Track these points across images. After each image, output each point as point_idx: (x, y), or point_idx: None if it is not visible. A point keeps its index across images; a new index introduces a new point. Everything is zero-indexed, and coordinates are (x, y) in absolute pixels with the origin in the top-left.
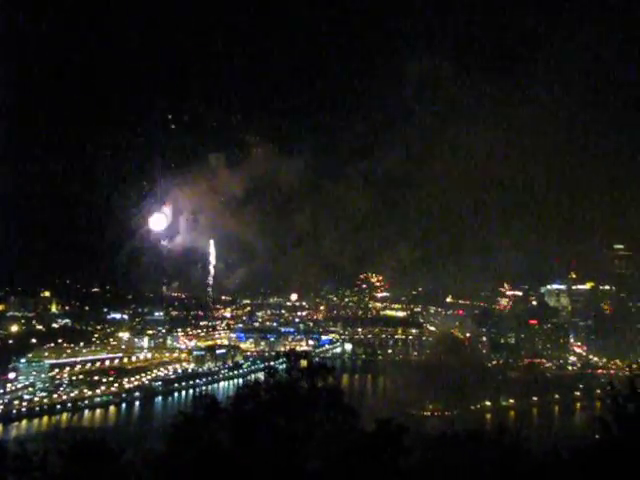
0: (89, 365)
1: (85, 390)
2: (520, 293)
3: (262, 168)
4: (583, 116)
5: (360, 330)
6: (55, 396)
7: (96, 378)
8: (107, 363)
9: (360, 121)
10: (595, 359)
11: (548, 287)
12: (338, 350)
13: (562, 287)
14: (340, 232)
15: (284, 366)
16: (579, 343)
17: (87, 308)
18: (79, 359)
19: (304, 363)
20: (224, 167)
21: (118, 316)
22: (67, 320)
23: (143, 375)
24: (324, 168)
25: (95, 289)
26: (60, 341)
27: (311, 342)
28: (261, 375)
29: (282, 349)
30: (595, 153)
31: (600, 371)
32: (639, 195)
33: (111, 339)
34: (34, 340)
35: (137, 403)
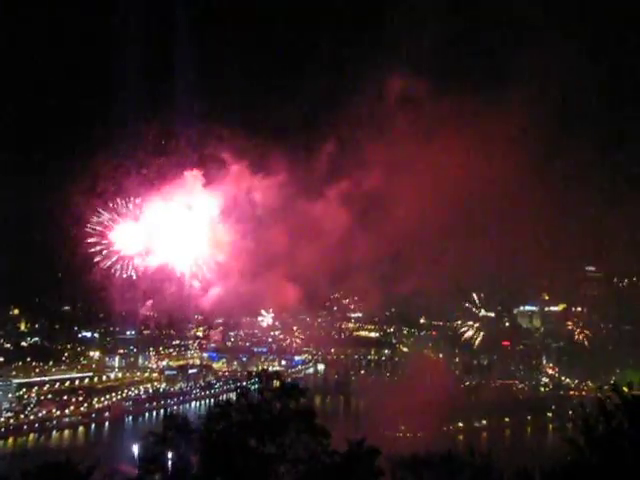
0: (58, 385)
1: (53, 410)
2: (493, 314)
3: (238, 186)
4: (557, 136)
5: (333, 350)
6: (22, 416)
7: (65, 398)
8: (77, 383)
9: (335, 138)
10: (567, 381)
11: (521, 308)
12: (311, 371)
13: (534, 309)
14: (315, 252)
15: (256, 386)
16: (551, 364)
17: (57, 326)
18: (48, 378)
19: (276, 383)
20: (200, 185)
21: (89, 335)
22: (36, 338)
23: (113, 395)
24: (300, 187)
25: (65, 307)
26: (29, 360)
27: (284, 362)
28: (233, 395)
29: (254, 369)
30: (568, 174)
31: (572, 393)
32: (611, 217)
33: (81, 358)
34: (1, 359)
35: (107, 423)
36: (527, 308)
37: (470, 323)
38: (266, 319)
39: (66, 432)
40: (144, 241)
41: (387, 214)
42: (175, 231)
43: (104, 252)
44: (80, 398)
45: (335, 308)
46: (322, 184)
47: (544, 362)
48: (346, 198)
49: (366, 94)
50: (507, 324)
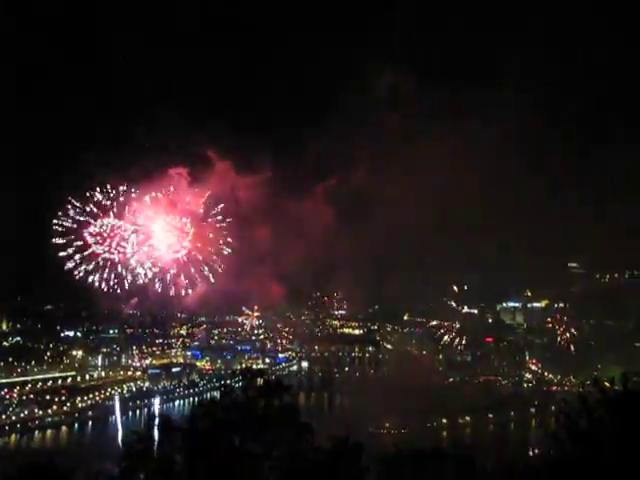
0: (40, 384)
1: (36, 410)
2: (476, 311)
3: (223, 184)
4: (541, 135)
5: (317, 348)
6: (4, 417)
7: (47, 398)
8: (59, 382)
9: (323, 137)
10: (550, 376)
11: (504, 305)
12: (295, 368)
13: (517, 305)
14: (301, 250)
15: (240, 384)
16: (534, 360)
17: (39, 326)
18: (30, 378)
19: (260, 381)
20: (185, 183)
21: (72, 334)
22: (18, 338)
23: (97, 394)
24: (286, 185)
25: (48, 306)
26: (10, 360)
27: (268, 360)
28: (217, 394)
29: (238, 367)
30: (552, 171)
31: (555, 388)
32: (593, 214)
33: (64, 357)
34: None
35: (90, 423)
36: (510, 304)
37: (447, 324)
38: (250, 318)
39: (49, 432)
40: (128, 239)
41: (373, 212)
42: (160, 229)
43: (87, 250)
44: (63, 398)
45: (318, 306)
46: (308, 182)
47: (527, 358)
48: (332, 196)
49: (353, 91)
50: (490, 320)
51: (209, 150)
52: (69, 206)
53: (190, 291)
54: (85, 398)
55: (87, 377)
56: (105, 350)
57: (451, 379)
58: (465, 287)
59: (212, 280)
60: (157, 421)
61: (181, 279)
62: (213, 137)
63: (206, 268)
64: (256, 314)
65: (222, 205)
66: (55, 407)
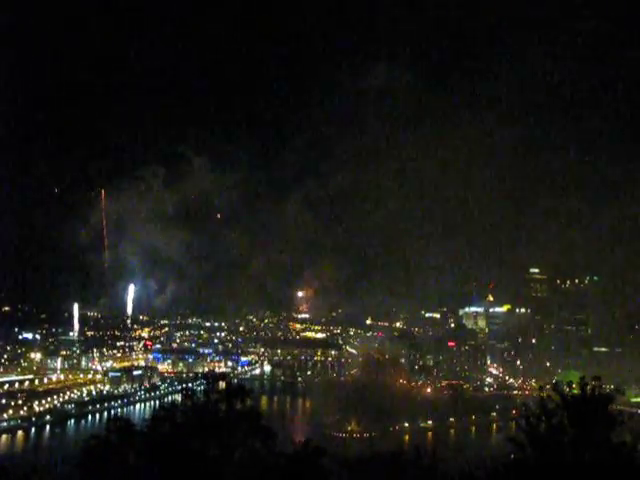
0: None
1: None
2: (438, 315)
3: (198, 183)
4: (511, 141)
5: (279, 351)
6: None
7: (4, 401)
8: (16, 385)
9: (299, 139)
10: (511, 380)
11: (466, 310)
12: (257, 372)
13: (480, 310)
14: (272, 253)
15: (202, 388)
16: (496, 365)
17: None
18: None
19: (222, 385)
20: (158, 181)
21: (30, 336)
22: None
23: (55, 397)
24: (262, 186)
25: (6, 307)
26: None
27: (230, 363)
28: (178, 397)
29: (200, 370)
30: (516, 179)
31: (516, 392)
32: (555, 220)
33: (22, 360)
34: None
35: (48, 427)
36: (472, 309)
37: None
38: (215, 320)
39: (4, 437)
40: (97, 237)
41: (343, 217)
42: (131, 228)
43: (52, 249)
44: (20, 401)
45: (281, 310)
46: (286, 183)
47: (489, 362)
48: (310, 198)
49: (338, 88)
50: (452, 325)
51: (185, 149)
52: (34, 202)
53: (160, 293)
54: (43, 402)
55: (45, 380)
56: (65, 353)
57: (413, 383)
58: (429, 292)
59: (183, 282)
60: (117, 425)
61: (151, 280)
62: (189, 136)
63: (177, 270)
64: (222, 317)
65: (196, 206)
66: (11, 411)
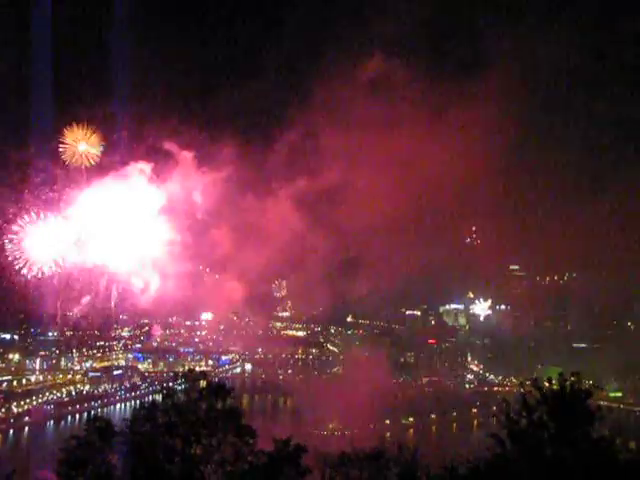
0: None
1: None
2: (419, 313)
3: (183, 181)
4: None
5: (260, 350)
6: None
7: None
8: None
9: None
10: (491, 377)
11: (447, 307)
12: (238, 370)
13: (460, 307)
14: (261, 252)
15: (183, 387)
16: (476, 362)
17: None
18: None
19: (203, 384)
20: (144, 179)
21: (8, 336)
22: None
23: (34, 398)
24: (250, 182)
25: None
26: None
27: (211, 362)
28: (159, 396)
29: (181, 369)
30: (498, 175)
31: (496, 389)
32: (534, 217)
33: None
34: None
35: (26, 428)
36: (453, 306)
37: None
38: (203, 319)
39: None
40: (74, 237)
41: (326, 214)
42: (112, 227)
43: (25, 250)
44: None
45: (262, 308)
46: (274, 179)
47: (469, 359)
48: (298, 194)
49: (330, 79)
50: (433, 322)
51: (170, 144)
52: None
53: (143, 293)
54: (22, 403)
55: (24, 381)
56: (43, 353)
57: (394, 380)
58: (409, 289)
59: (166, 282)
60: (97, 425)
61: (136, 280)
62: (175, 130)
63: (161, 269)
64: (211, 317)
65: (182, 203)
66: None
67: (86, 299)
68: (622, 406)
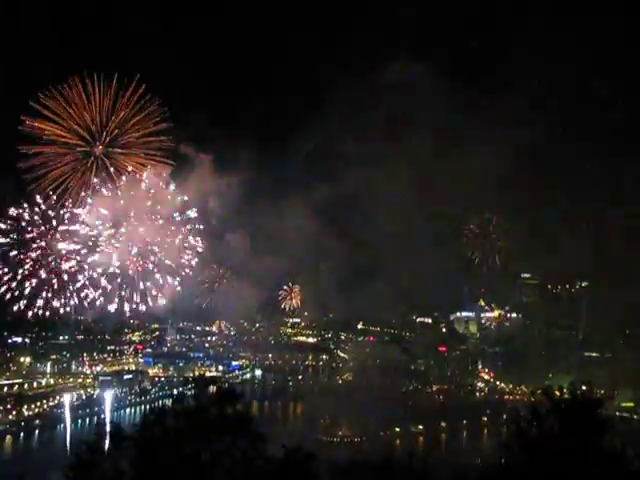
0: None
1: None
2: (430, 320)
3: (201, 185)
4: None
5: (271, 356)
6: None
7: None
8: (5, 389)
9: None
10: (502, 385)
11: (457, 314)
12: (248, 376)
13: (471, 314)
14: (277, 257)
15: (192, 392)
16: (487, 370)
17: None
18: None
19: (213, 389)
20: (163, 182)
21: (19, 340)
22: None
23: (45, 402)
24: (266, 187)
25: None
26: None
27: (221, 368)
28: (169, 401)
29: (191, 375)
30: (505, 183)
31: (507, 397)
32: (546, 225)
33: (11, 364)
34: None
35: (37, 432)
36: (464, 314)
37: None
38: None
39: None
40: (92, 239)
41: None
42: (132, 230)
43: (45, 251)
44: (9, 405)
45: (273, 314)
46: (292, 185)
47: (480, 367)
48: (316, 200)
49: (349, 84)
50: (444, 330)
51: (189, 148)
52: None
53: (158, 297)
54: (32, 406)
55: (35, 384)
56: (54, 357)
57: (404, 388)
58: (421, 297)
59: (182, 286)
60: (107, 429)
61: (150, 284)
62: (194, 134)
63: (177, 274)
64: (215, 322)
65: (200, 207)
66: (0, 415)
67: (99, 303)
68: (635, 417)
